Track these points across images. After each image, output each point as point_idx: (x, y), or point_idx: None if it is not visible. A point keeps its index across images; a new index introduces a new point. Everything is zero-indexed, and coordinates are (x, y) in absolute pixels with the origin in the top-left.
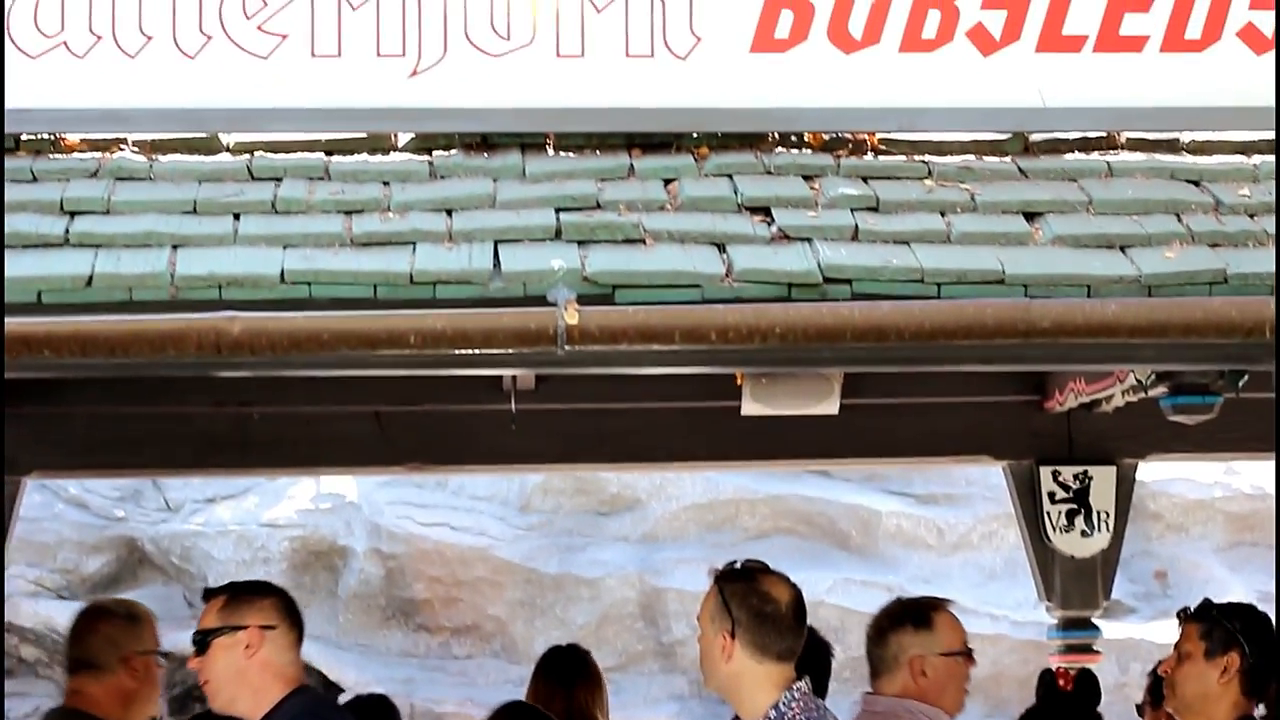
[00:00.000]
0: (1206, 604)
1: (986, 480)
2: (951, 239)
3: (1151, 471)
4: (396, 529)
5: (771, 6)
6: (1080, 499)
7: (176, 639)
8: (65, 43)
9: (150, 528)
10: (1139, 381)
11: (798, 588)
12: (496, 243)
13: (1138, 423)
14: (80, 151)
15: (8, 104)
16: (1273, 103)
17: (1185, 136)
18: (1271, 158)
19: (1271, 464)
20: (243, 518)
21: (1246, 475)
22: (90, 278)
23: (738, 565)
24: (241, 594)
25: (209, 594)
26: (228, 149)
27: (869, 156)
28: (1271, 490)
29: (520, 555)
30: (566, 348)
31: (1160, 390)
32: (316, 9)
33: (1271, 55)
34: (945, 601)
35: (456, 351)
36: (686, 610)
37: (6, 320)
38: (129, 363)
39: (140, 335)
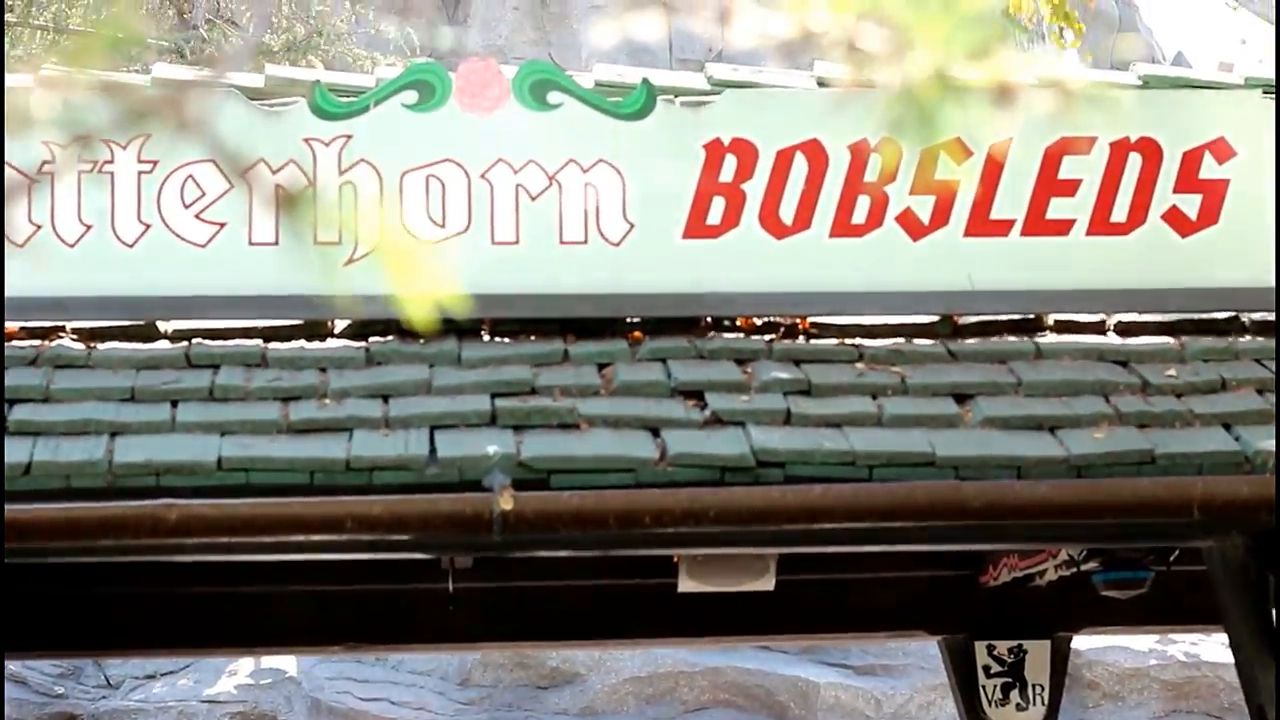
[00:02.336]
0: None
1: (924, 651)
2: (883, 421)
3: (1087, 640)
4: (337, 704)
5: (704, 193)
6: (1015, 672)
7: None
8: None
9: (90, 704)
10: (1071, 557)
11: None
12: (433, 429)
13: (1071, 596)
14: (19, 339)
15: None
16: (1195, 285)
17: (1112, 318)
18: (1199, 340)
19: (1205, 634)
20: (183, 694)
21: (1181, 644)
22: (28, 465)
23: None
24: None
25: None
26: (166, 336)
27: (801, 340)
28: (1207, 658)
29: None
30: (503, 533)
31: (1092, 565)
32: (254, 203)
33: (1194, 237)
34: None
35: (393, 537)
36: None
37: None
38: (67, 548)
39: (78, 523)
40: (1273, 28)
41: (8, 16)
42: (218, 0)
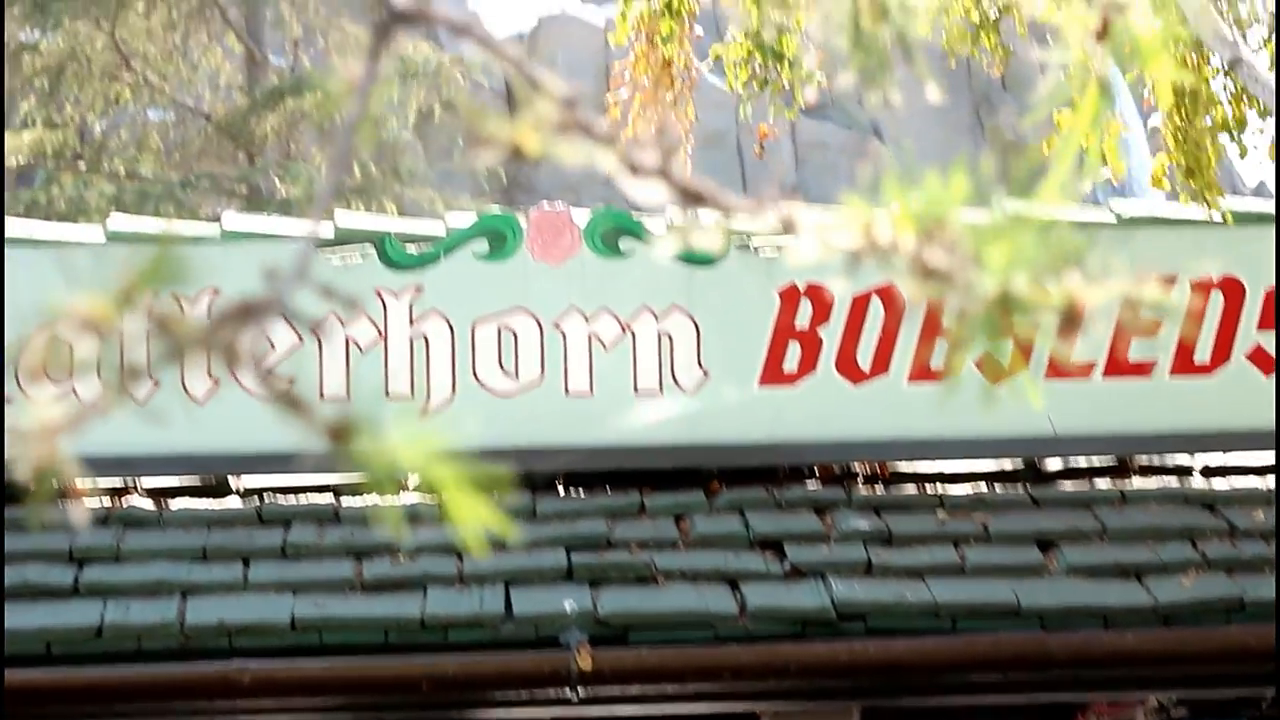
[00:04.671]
0: None
1: None
2: (966, 571)
3: None
4: None
5: (779, 340)
6: None
7: None
8: (74, 389)
9: None
10: (1162, 705)
11: None
12: (508, 584)
13: None
14: (89, 498)
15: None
16: None
17: (1198, 461)
18: None
19: None
20: None
21: None
22: (100, 628)
23: None
24: None
25: None
26: (237, 493)
27: (880, 488)
28: None
29: None
30: (580, 690)
31: (1183, 714)
32: (325, 355)
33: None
34: None
35: (469, 695)
36: None
37: (12, 674)
38: (139, 710)
39: (150, 685)
40: None
41: (79, 163)
42: (287, 141)
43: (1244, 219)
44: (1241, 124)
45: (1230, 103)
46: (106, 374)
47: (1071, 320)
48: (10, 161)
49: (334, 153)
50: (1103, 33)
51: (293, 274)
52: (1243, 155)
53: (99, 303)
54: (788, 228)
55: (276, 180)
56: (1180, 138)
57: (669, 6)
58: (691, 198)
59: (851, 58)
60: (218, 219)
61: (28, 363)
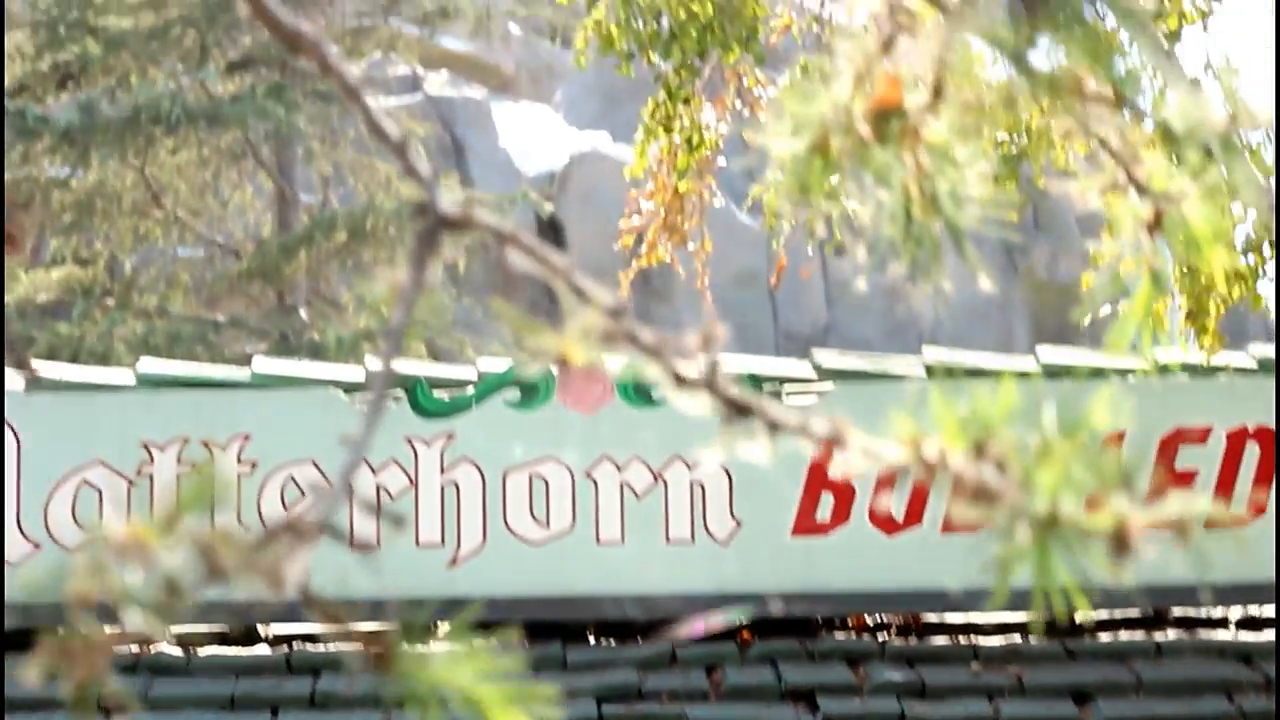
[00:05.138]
0: None
1: None
2: None
3: None
4: None
5: (812, 490)
6: None
7: None
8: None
9: None
10: None
11: None
12: None
13: None
14: (115, 644)
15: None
16: None
17: (1233, 613)
18: None
19: None
20: None
21: None
22: None
23: None
24: None
25: None
26: (266, 641)
27: (914, 639)
28: None
29: None
30: None
31: None
32: (353, 505)
33: None
34: None
35: None
36: None
37: None
38: None
39: None
40: None
41: (108, 300)
42: (318, 281)
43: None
44: (1255, 274)
45: (1245, 250)
46: (150, 600)
47: (1121, 544)
48: (40, 297)
49: (382, 356)
50: (1155, 224)
51: (338, 488)
52: (1255, 308)
53: (141, 528)
54: (836, 442)
55: (305, 316)
56: (1187, 280)
57: (689, 141)
58: (738, 409)
59: (902, 249)
60: (248, 360)
61: (74, 589)
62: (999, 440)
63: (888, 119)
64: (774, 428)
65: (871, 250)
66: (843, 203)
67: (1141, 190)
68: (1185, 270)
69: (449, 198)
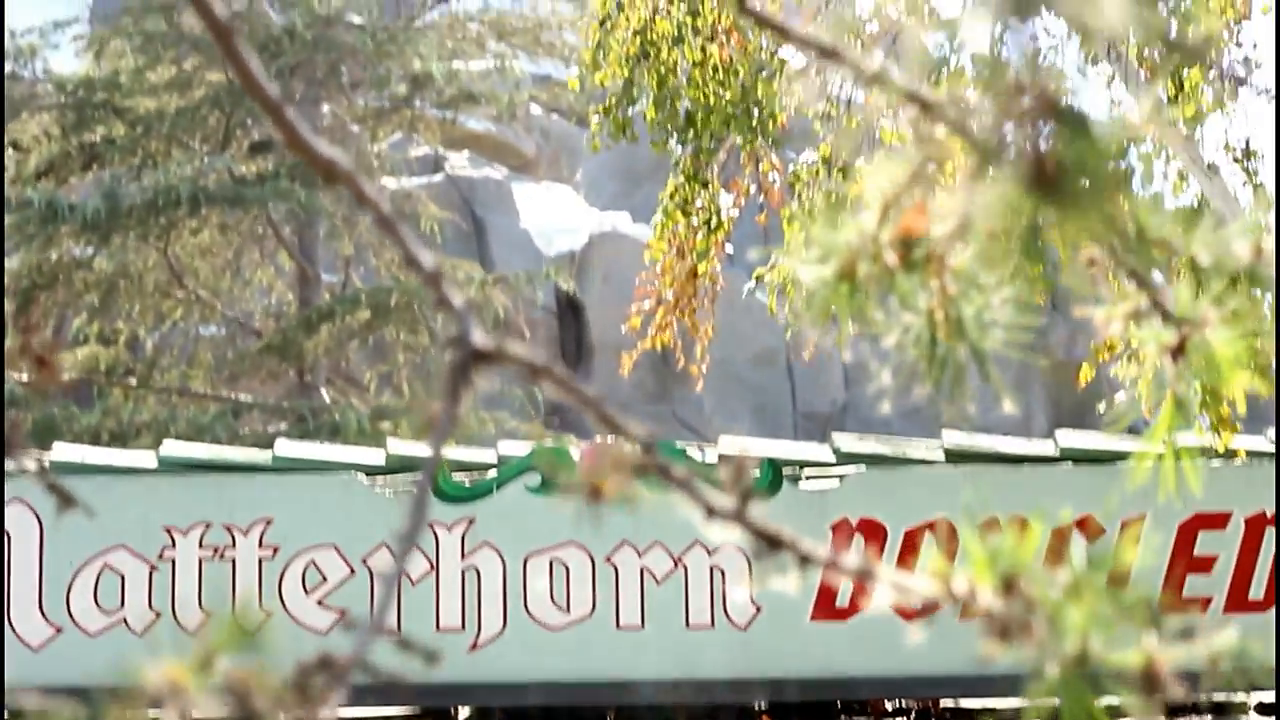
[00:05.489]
0: None
1: None
2: None
3: None
4: None
5: (831, 574)
6: None
7: None
8: (125, 618)
9: None
10: None
11: None
12: None
13: None
14: None
15: None
16: None
17: (1253, 698)
18: None
19: None
20: None
21: None
22: None
23: None
24: None
25: None
26: None
27: None
28: None
29: None
30: None
31: None
32: (376, 585)
33: None
34: None
35: None
36: None
37: None
38: None
39: None
40: None
41: (129, 379)
42: (338, 360)
43: None
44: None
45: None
46: None
47: (1151, 683)
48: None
49: (417, 489)
50: (1179, 350)
51: (371, 627)
52: (1264, 394)
53: (176, 670)
54: (864, 578)
55: (325, 396)
56: (1209, 402)
57: (707, 224)
58: (769, 542)
59: (927, 373)
60: (268, 440)
61: None
62: (1027, 577)
63: (913, 246)
64: (804, 561)
65: (896, 374)
66: (869, 323)
67: (1166, 316)
68: (1208, 395)
69: (480, 333)
